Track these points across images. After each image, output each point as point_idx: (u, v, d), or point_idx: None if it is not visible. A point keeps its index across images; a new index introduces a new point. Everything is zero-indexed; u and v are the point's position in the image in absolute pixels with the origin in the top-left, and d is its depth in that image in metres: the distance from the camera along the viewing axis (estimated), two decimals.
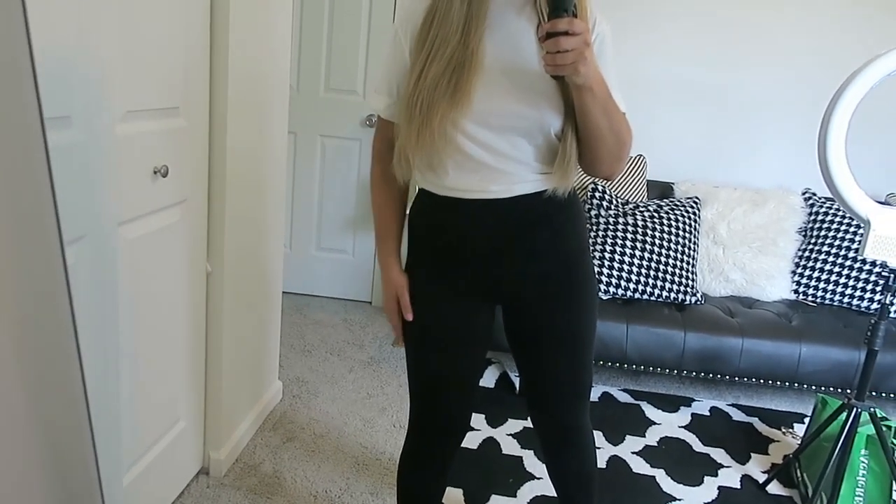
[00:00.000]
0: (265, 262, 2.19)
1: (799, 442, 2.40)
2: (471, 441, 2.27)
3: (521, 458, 2.22)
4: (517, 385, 2.65)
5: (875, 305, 2.65)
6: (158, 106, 1.50)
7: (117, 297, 1.46)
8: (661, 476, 2.18)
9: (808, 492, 2.02)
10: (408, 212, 1.40)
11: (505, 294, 1.36)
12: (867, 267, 2.66)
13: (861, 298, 2.67)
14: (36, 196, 0.86)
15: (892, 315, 2.56)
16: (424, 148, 1.20)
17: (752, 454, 2.35)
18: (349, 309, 3.44)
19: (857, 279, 2.67)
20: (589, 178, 2.82)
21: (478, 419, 2.42)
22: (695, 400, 2.72)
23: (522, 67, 1.20)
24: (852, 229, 2.71)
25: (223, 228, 1.84)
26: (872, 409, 1.89)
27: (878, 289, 2.64)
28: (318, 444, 2.23)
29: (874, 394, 2.48)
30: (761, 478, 2.21)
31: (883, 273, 2.63)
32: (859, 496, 1.89)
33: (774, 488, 2.16)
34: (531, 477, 2.12)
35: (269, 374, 2.37)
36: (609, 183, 2.85)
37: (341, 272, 3.52)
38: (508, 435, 2.35)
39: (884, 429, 1.88)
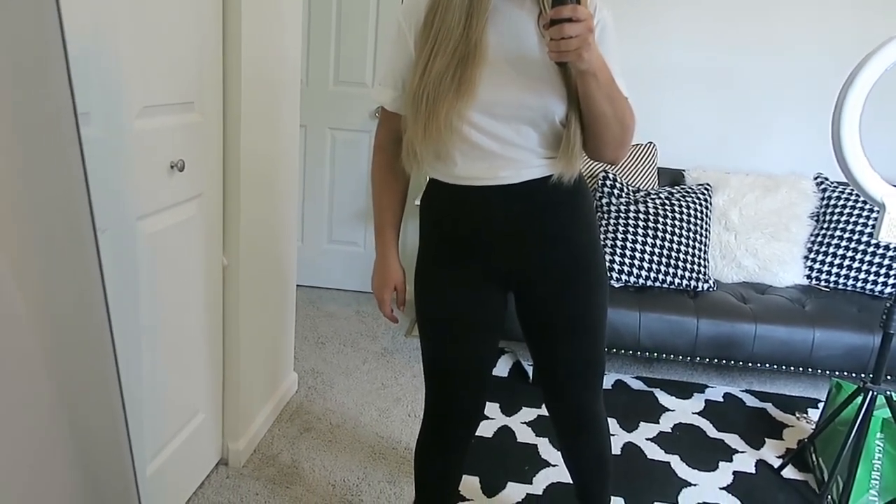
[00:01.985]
0: (279, 255, 2.21)
1: (813, 427, 2.41)
2: (485, 429, 2.29)
3: (535, 445, 2.24)
4: (530, 374, 2.67)
5: (889, 289, 2.64)
6: (174, 101, 1.52)
7: (138, 290, 1.48)
8: (675, 462, 2.19)
9: (824, 476, 2.03)
10: (417, 202, 1.42)
11: (517, 281, 1.37)
12: (881, 251, 2.65)
13: (875, 283, 2.66)
14: (72, 191, 0.88)
15: None
16: (432, 140, 1.21)
17: (767, 439, 2.35)
18: (361, 301, 3.46)
19: (870, 263, 2.66)
20: (599, 165, 2.82)
21: (492, 408, 2.43)
22: (708, 386, 2.72)
23: (525, 56, 1.22)
24: (865, 213, 2.70)
25: (238, 222, 1.86)
26: (888, 393, 1.89)
27: (893, 272, 2.63)
28: (334, 434, 2.25)
29: (889, 378, 2.48)
30: (776, 462, 2.21)
31: (890, 250, 2.62)
32: (875, 479, 1.90)
33: (790, 473, 2.16)
34: (546, 464, 2.14)
35: (284, 365, 2.40)
36: (619, 171, 2.85)
37: (353, 264, 3.54)
38: (523, 423, 2.37)
39: None
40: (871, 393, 1.85)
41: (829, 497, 1.96)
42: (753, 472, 2.17)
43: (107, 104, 1.29)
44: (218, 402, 1.97)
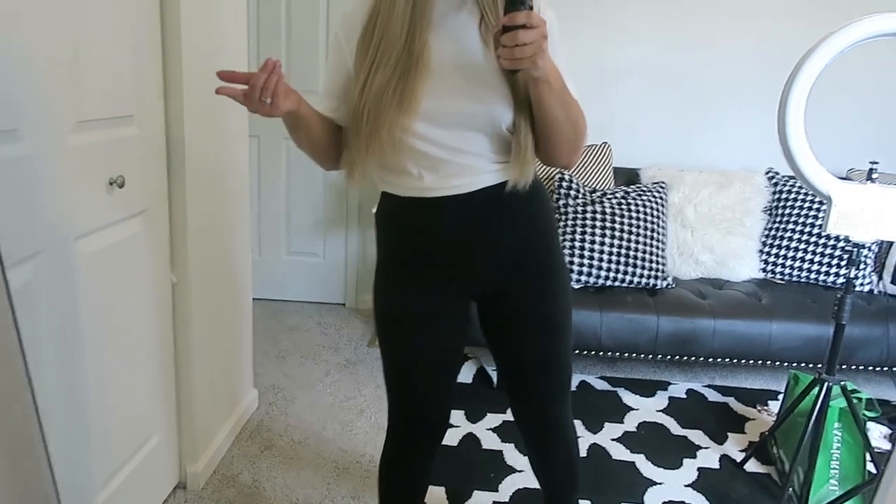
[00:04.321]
0: (233, 269, 2.15)
1: (774, 419, 2.44)
2: (451, 438, 2.26)
3: (501, 451, 2.22)
4: (494, 379, 2.65)
5: (841, 280, 2.70)
6: (111, 115, 1.46)
7: (78, 312, 1.42)
8: (640, 461, 2.20)
9: (785, 468, 2.05)
10: (374, 210, 1.38)
11: (479, 287, 1.34)
12: (832, 242, 2.71)
13: (827, 274, 2.72)
14: None
15: (857, 289, 2.61)
16: (375, 155, 1.18)
17: (729, 434, 2.38)
18: (323, 312, 3.41)
19: (822, 255, 2.72)
20: (556, 168, 2.83)
21: (457, 415, 2.41)
22: (671, 383, 2.74)
23: (468, 64, 1.19)
24: (815, 206, 2.75)
25: (186, 237, 1.80)
26: (843, 383, 1.92)
27: (843, 263, 2.69)
28: (296, 450, 2.20)
29: (844, 367, 2.53)
30: (739, 457, 2.23)
31: (846, 248, 2.68)
32: (834, 469, 1.92)
33: (752, 466, 2.18)
34: (512, 470, 2.12)
35: (243, 382, 2.34)
36: (575, 171, 2.86)
37: (313, 275, 3.48)
38: (488, 429, 2.35)
39: (855, 401, 1.91)
40: (825, 384, 1.88)
41: (791, 489, 1.98)
42: (717, 467, 2.18)
43: (36, 119, 1.24)
44: (173, 423, 1.91)
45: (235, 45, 2.02)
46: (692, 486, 2.08)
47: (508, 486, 2.05)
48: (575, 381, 2.72)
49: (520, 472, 2.11)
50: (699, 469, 2.16)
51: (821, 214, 2.72)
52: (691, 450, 2.27)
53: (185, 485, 1.97)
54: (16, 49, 1.17)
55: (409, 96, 1.15)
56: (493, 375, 2.66)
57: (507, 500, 1.98)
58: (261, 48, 3.16)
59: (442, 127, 1.19)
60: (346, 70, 1.22)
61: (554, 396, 1.42)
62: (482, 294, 1.35)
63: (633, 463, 2.19)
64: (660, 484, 2.08)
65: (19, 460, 0.91)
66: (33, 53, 1.21)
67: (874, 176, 1.75)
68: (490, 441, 2.28)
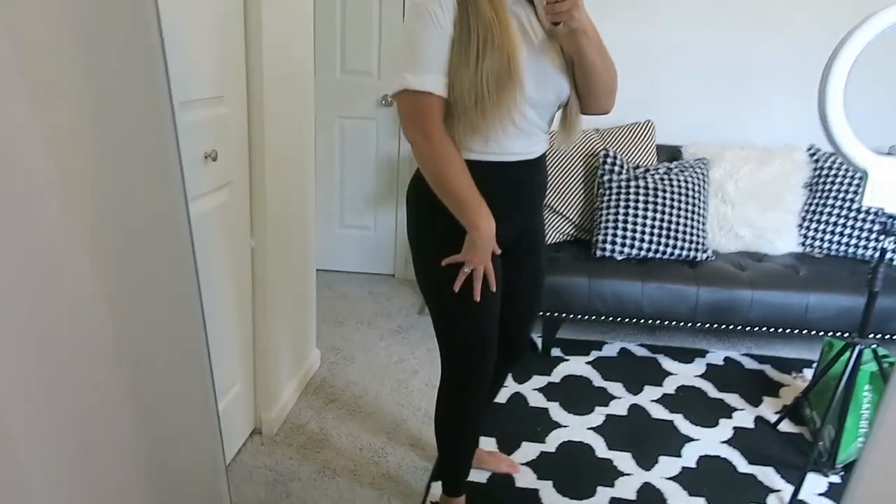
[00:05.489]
0: (300, 238, 2.34)
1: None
2: (500, 396, 2.43)
3: (546, 409, 2.38)
4: (539, 344, 2.81)
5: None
6: (207, 96, 1.64)
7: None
8: (678, 420, 2.34)
9: (817, 427, 2.17)
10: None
11: (512, 247, 1.57)
12: (870, 217, 2.78)
13: (865, 248, 2.79)
14: (168, 163, 1.05)
15: (893, 261, 2.68)
16: (491, 124, 1.35)
17: (765, 397, 2.50)
18: (373, 283, 3.60)
19: (860, 230, 2.79)
20: (600, 144, 2.94)
21: None
22: (709, 351, 2.86)
23: (544, 46, 1.42)
24: (856, 182, 2.82)
25: (264, 207, 1.99)
26: (874, 347, 2.02)
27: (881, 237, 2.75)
28: (357, 404, 2.40)
29: (879, 336, 2.61)
30: (773, 418, 2.36)
31: (881, 220, 2.74)
32: (863, 428, 2.04)
33: (786, 426, 2.31)
34: (557, 425, 2.28)
35: (308, 342, 2.54)
36: (619, 148, 2.97)
37: (364, 247, 3.67)
38: (534, 389, 2.51)
39: (885, 365, 2.01)
40: (857, 347, 1.99)
41: (822, 444, 2.10)
42: (752, 426, 2.31)
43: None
44: (250, 374, 2.12)
45: (304, 32, 2.18)
46: (727, 442, 2.22)
47: (554, 438, 2.21)
48: (616, 348, 2.87)
49: (564, 426, 2.27)
50: (735, 428, 2.30)
51: (860, 190, 2.79)
52: (727, 411, 2.40)
53: (261, 430, 2.18)
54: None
55: (517, 77, 1.33)
56: (538, 341, 2.81)
57: (553, 450, 2.15)
58: (318, 32, 3.33)
59: (534, 106, 1.42)
60: (450, 46, 1.32)
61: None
62: (508, 253, 1.55)
63: (672, 421, 2.33)
64: (697, 440, 2.22)
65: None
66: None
67: None
68: (536, 400, 2.44)
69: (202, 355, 1.31)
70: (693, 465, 2.11)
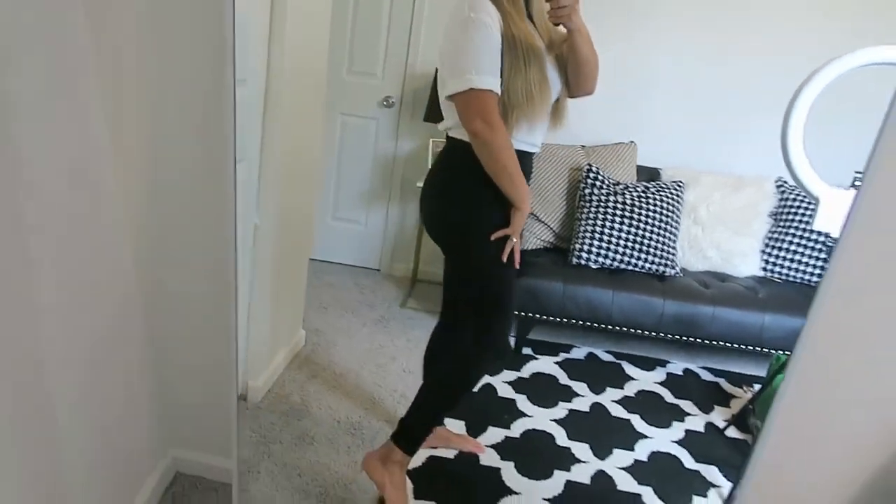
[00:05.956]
0: (300, 224, 2.49)
1: None
2: None
3: (514, 400, 2.55)
4: (512, 343, 2.98)
5: None
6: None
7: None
8: (635, 419, 2.51)
9: (759, 433, 2.35)
10: (419, 185, 1.73)
11: None
12: (829, 246, 2.99)
13: (821, 276, 3.00)
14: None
15: None
16: (539, 115, 1.66)
17: (717, 406, 2.68)
18: (359, 275, 3.75)
19: (818, 258, 3.00)
20: (584, 159, 3.14)
21: None
22: (670, 362, 3.05)
23: (547, 60, 1.70)
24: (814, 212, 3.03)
25: (270, 187, 2.15)
26: None
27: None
28: (338, 381, 2.55)
29: None
30: (722, 424, 2.54)
31: (828, 243, 2.96)
32: None
33: (732, 433, 2.49)
34: (523, 415, 2.45)
35: (296, 320, 2.69)
36: (601, 165, 3.16)
37: (354, 241, 3.83)
38: (504, 382, 2.68)
39: None
40: None
41: None
42: (702, 430, 2.49)
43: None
44: (242, 344, 2.26)
45: (320, 35, 2.35)
46: (678, 442, 2.40)
47: (519, 426, 2.38)
48: (583, 351, 3.04)
49: (529, 416, 2.44)
50: (686, 430, 2.48)
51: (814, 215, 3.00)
52: (681, 415, 2.58)
53: (246, 397, 2.32)
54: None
55: (549, 82, 1.65)
56: (511, 340, 2.98)
57: (517, 436, 2.32)
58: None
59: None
60: (499, 55, 1.59)
61: None
62: None
63: (629, 420, 2.51)
64: (650, 438, 2.40)
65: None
66: None
67: (857, 183, 2.04)
68: (505, 391, 2.61)
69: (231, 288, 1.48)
70: (645, 458, 2.28)
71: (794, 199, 3.11)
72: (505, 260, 1.73)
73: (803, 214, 3.05)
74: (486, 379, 2.68)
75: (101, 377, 1.49)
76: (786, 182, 3.21)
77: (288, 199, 2.33)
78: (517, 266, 1.75)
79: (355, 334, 2.98)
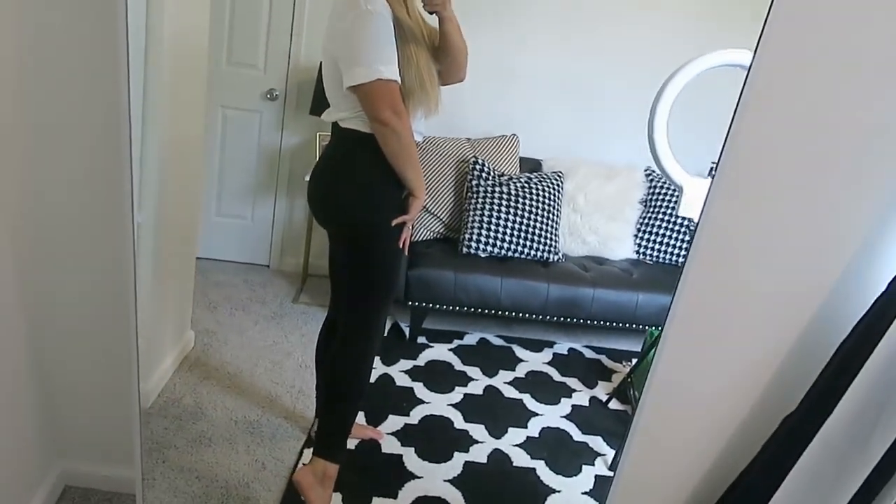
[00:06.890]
0: (185, 221, 2.42)
1: None
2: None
3: (411, 388, 2.61)
4: (406, 332, 3.04)
5: None
6: None
7: None
8: (527, 399, 2.65)
9: (637, 404, 2.56)
10: (306, 179, 1.77)
11: None
12: (692, 230, 3.27)
13: (685, 257, 3.27)
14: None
15: None
16: (432, 104, 1.73)
17: (600, 381, 2.88)
18: (248, 272, 3.66)
19: (684, 241, 3.28)
20: (471, 152, 3.24)
21: (374, 360, 2.77)
22: (556, 342, 3.22)
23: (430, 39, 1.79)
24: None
25: (154, 185, 2.07)
26: None
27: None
28: (232, 381, 2.50)
29: None
30: (605, 398, 2.73)
31: (690, 227, 3.25)
32: None
33: (614, 405, 2.69)
34: (421, 402, 2.52)
35: (184, 321, 2.60)
36: (487, 157, 3.28)
37: (240, 237, 3.72)
38: (401, 371, 2.73)
39: None
40: None
41: None
42: (587, 405, 2.67)
43: None
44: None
45: (199, 25, 2.28)
46: (566, 417, 2.56)
47: (417, 413, 2.45)
48: (475, 337, 3.16)
49: (427, 403, 2.51)
50: (573, 406, 2.65)
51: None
52: (568, 392, 2.75)
53: None
54: None
55: (433, 70, 1.73)
56: (406, 330, 3.04)
57: (416, 422, 2.38)
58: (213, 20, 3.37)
59: None
60: (395, 43, 1.63)
61: None
62: None
63: (521, 400, 2.64)
64: (541, 415, 2.55)
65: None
66: None
67: (713, 172, 2.26)
68: (402, 380, 2.67)
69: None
70: (536, 434, 2.42)
71: (662, 188, 3.37)
72: (401, 246, 1.80)
73: (670, 201, 3.32)
74: (383, 369, 2.72)
75: None
76: (654, 171, 3.47)
77: (171, 195, 2.25)
78: (406, 253, 1.84)
79: (247, 332, 2.93)
